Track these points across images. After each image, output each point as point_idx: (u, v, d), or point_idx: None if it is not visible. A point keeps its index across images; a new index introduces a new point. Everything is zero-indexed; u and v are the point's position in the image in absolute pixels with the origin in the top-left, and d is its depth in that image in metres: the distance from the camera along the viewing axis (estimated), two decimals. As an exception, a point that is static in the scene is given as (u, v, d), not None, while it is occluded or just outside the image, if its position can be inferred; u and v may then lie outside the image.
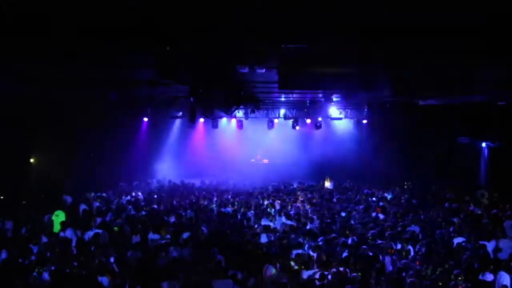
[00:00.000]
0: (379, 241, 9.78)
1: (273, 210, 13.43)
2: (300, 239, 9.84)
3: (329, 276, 7.57)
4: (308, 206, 14.54)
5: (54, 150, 15.24)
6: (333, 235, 10.26)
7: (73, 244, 9.41)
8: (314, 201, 15.32)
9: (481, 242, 9.25)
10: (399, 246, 9.41)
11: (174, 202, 14.90)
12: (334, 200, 15.64)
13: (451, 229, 11.09)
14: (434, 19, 5.83)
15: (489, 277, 7.49)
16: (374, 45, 7.49)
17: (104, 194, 15.40)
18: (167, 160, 20.86)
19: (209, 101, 14.75)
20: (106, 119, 16.49)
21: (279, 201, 15.11)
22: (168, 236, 10.05)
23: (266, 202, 14.95)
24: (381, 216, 12.85)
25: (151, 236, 10.13)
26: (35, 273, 7.32)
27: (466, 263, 7.89)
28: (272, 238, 10.14)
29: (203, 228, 10.87)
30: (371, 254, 8.76)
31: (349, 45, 7.66)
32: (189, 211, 13.17)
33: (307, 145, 22.54)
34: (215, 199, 15.89)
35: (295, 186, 19.46)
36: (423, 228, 11.23)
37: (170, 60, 8.73)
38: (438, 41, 6.84)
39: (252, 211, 13.36)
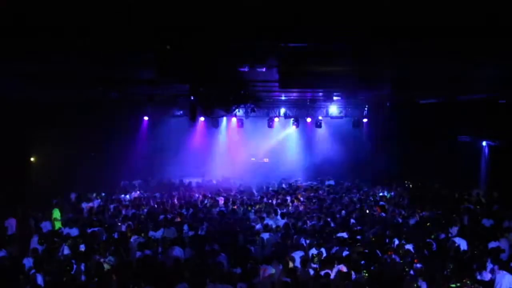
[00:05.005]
0: (380, 240, 9.78)
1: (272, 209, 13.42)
2: (302, 239, 9.83)
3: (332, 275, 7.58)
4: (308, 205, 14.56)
5: (54, 150, 15.25)
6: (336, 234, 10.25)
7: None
8: (314, 200, 15.30)
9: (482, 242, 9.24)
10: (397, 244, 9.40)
11: (175, 201, 14.93)
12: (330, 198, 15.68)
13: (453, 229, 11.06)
14: (435, 18, 5.82)
15: (487, 276, 7.49)
16: (374, 45, 7.49)
17: (103, 194, 15.44)
18: (168, 159, 20.85)
19: (210, 100, 14.75)
20: (106, 118, 16.49)
21: (279, 200, 15.13)
22: (169, 235, 10.05)
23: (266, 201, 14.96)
24: (381, 214, 12.85)
25: (152, 235, 10.15)
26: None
27: (465, 263, 7.89)
28: (273, 238, 10.13)
29: (204, 227, 10.90)
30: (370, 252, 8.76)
31: (350, 44, 7.66)
32: (190, 210, 13.19)
33: (307, 143, 22.57)
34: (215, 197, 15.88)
35: (295, 184, 19.48)
36: (422, 226, 11.23)
37: (170, 59, 8.72)
38: (438, 40, 6.84)
39: (252, 211, 13.35)
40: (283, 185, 19.25)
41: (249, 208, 13.65)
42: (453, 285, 6.87)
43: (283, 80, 10.34)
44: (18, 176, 14.35)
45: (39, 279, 7.18)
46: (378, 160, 19.24)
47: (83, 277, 7.62)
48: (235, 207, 13.93)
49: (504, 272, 7.35)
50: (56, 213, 11.78)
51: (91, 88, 13.30)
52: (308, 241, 9.68)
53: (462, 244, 9.20)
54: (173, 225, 10.90)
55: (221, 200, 15.17)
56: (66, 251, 8.75)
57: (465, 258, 8.28)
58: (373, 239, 9.82)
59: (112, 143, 17.59)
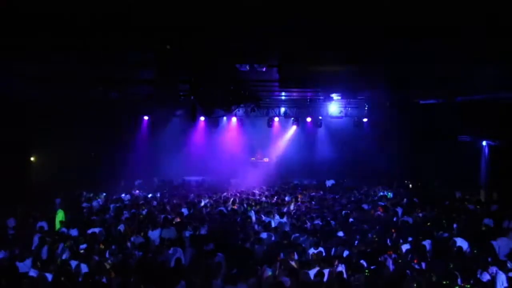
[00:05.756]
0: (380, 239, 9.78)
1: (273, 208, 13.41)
2: (303, 238, 9.83)
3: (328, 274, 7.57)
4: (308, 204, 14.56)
5: (54, 150, 15.24)
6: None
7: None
8: (313, 202, 15.28)
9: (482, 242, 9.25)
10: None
11: (174, 201, 14.92)
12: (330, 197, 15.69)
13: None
14: (435, 19, 5.82)
15: (485, 276, 7.49)
16: (374, 45, 7.49)
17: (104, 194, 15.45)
18: (168, 159, 20.85)
19: (210, 100, 14.76)
20: (106, 118, 16.48)
21: (279, 200, 15.13)
22: (169, 236, 10.04)
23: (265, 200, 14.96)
24: (382, 215, 12.85)
25: (152, 234, 10.15)
26: (32, 273, 7.30)
27: (464, 263, 7.89)
28: (273, 237, 10.12)
29: (203, 227, 10.89)
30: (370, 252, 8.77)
31: (350, 44, 7.66)
32: (191, 210, 13.19)
33: (308, 143, 22.58)
34: (215, 197, 15.88)
35: (295, 183, 19.51)
36: (421, 225, 11.24)
37: (171, 58, 8.72)
38: (438, 40, 6.84)
39: (253, 211, 13.34)
40: (283, 185, 19.26)
41: (249, 208, 13.63)
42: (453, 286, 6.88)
43: (283, 80, 10.35)
44: (18, 176, 14.33)
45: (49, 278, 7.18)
46: (378, 160, 19.23)
47: (82, 277, 7.62)
48: (235, 207, 13.93)
49: (500, 272, 7.37)
50: (61, 215, 11.75)
51: (91, 88, 13.29)
52: (308, 241, 9.67)
53: (463, 244, 9.20)
54: (173, 225, 10.89)
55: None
56: (66, 251, 8.74)
57: (465, 258, 8.27)
58: (376, 239, 9.81)
59: (112, 143, 17.58)
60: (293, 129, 22.52)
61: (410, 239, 9.56)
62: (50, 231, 10.79)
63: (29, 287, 6.96)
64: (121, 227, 10.79)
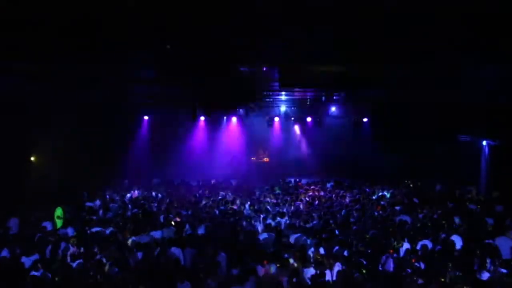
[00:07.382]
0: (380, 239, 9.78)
1: (270, 208, 13.41)
2: (303, 238, 9.83)
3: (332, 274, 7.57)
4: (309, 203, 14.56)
5: (54, 150, 15.24)
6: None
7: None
8: (316, 202, 15.28)
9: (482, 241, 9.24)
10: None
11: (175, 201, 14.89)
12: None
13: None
14: (435, 18, 5.84)
15: (485, 275, 7.49)
16: (374, 44, 7.50)
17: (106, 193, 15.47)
18: (168, 159, 20.85)
19: (210, 99, 14.79)
20: (106, 118, 16.49)
21: (279, 200, 15.12)
22: (169, 235, 10.04)
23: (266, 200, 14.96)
24: (380, 214, 12.84)
25: (154, 234, 10.14)
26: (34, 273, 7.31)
27: (464, 262, 7.89)
28: (273, 237, 10.11)
29: (202, 226, 10.89)
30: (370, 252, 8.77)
31: (350, 43, 7.67)
32: (190, 211, 13.18)
33: (308, 143, 22.60)
34: (218, 197, 15.87)
35: (293, 182, 19.54)
36: (420, 224, 11.25)
37: (171, 58, 8.74)
38: (438, 40, 6.85)
39: (252, 210, 13.34)
40: (282, 184, 19.26)
41: (251, 208, 13.64)
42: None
43: (283, 79, 10.38)
44: (18, 176, 14.33)
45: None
46: (378, 159, 19.23)
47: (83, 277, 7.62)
48: (235, 207, 13.92)
49: (502, 269, 7.39)
50: (59, 212, 11.80)
51: (91, 88, 13.31)
52: (308, 241, 9.67)
53: (458, 242, 9.23)
54: (172, 225, 10.89)
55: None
56: (67, 251, 8.75)
57: (465, 258, 8.28)
58: (367, 238, 9.81)
59: (112, 143, 17.59)
60: (297, 129, 22.61)
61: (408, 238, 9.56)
62: (53, 230, 10.81)
63: (32, 286, 6.98)
64: (123, 227, 10.80)
